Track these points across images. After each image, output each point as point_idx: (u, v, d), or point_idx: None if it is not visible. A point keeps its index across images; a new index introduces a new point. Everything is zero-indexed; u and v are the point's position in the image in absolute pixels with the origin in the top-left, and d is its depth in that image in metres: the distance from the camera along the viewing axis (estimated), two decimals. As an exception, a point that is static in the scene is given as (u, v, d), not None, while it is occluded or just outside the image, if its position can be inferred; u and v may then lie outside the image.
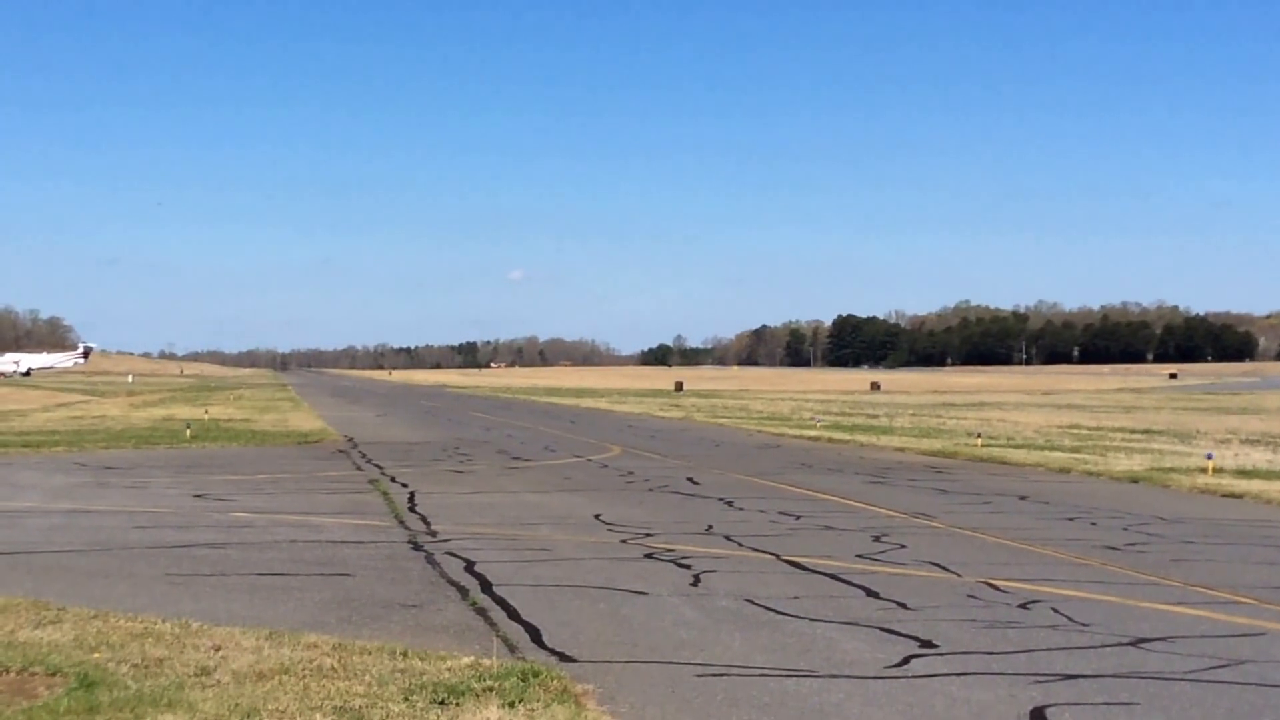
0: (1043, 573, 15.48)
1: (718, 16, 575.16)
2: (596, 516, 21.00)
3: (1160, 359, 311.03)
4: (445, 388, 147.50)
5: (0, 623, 11.38)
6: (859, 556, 16.68)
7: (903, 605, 13.22)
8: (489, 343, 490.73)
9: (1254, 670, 10.59)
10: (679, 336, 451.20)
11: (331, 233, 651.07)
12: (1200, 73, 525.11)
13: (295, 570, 15.20)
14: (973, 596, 13.83)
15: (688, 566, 15.68)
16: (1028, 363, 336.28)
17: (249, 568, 15.36)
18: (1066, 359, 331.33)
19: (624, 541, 18.03)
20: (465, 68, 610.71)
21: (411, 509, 21.89)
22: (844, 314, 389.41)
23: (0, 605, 12.15)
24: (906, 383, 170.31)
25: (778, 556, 16.60)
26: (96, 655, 10.17)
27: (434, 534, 18.60)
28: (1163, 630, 12.09)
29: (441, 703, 8.91)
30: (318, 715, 8.58)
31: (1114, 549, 17.77)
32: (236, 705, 8.77)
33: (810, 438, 45.90)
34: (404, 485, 26.20)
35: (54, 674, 9.60)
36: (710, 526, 19.83)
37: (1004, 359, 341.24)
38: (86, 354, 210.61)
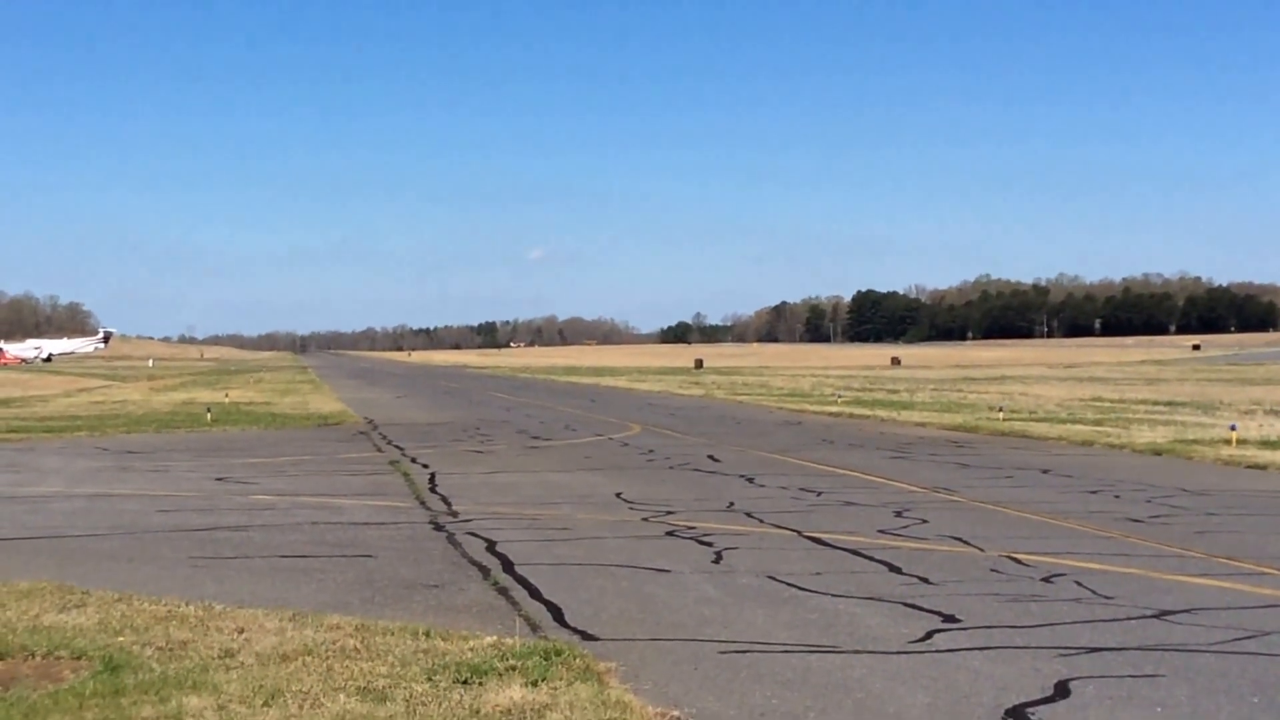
0: (1066, 546, 15.43)
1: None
2: (617, 495, 21.00)
3: (1183, 330, 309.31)
4: (465, 368, 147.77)
5: (25, 607, 11.44)
6: (881, 532, 16.65)
7: (925, 580, 13.19)
8: (508, 323, 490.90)
9: (1279, 642, 10.53)
10: (698, 314, 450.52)
11: (350, 214, 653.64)
12: (1220, 42, 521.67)
13: (317, 552, 15.24)
14: (995, 570, 13.78)
15: (709, 544, 15.67)
16: (1049, 336, 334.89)
17: (271, 550, 15.41)
18: (1088, 331, 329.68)
19: (645, 520, 18.03)
20: (483, 47, 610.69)
21: (432, 489, 21.92)
22: (864, 289, 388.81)
23: (25, 589, 12.22)
24: (927, 357, 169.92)
25: (799, 533, 16.58)
26: (121, 639, 10.21)
27: (455, 514, 18.63)
28: (1187, 602, 12.03)
29: (464, 682, 8.92)
30: (341, 696, 8.60)
31: (1137, 521, 17.70)
32: (260, 687, 8.79)
33: (831, 414, 45.83)
34: (424, 466, 26.25)
35: (79, 657, 9.64)
36: (731, 504, 19.82)
37: (1025, 332, 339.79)
38: (107, 339, 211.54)
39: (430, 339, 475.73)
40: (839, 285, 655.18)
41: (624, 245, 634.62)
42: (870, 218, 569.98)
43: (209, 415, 42.72)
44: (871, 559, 14.52)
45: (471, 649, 9.84)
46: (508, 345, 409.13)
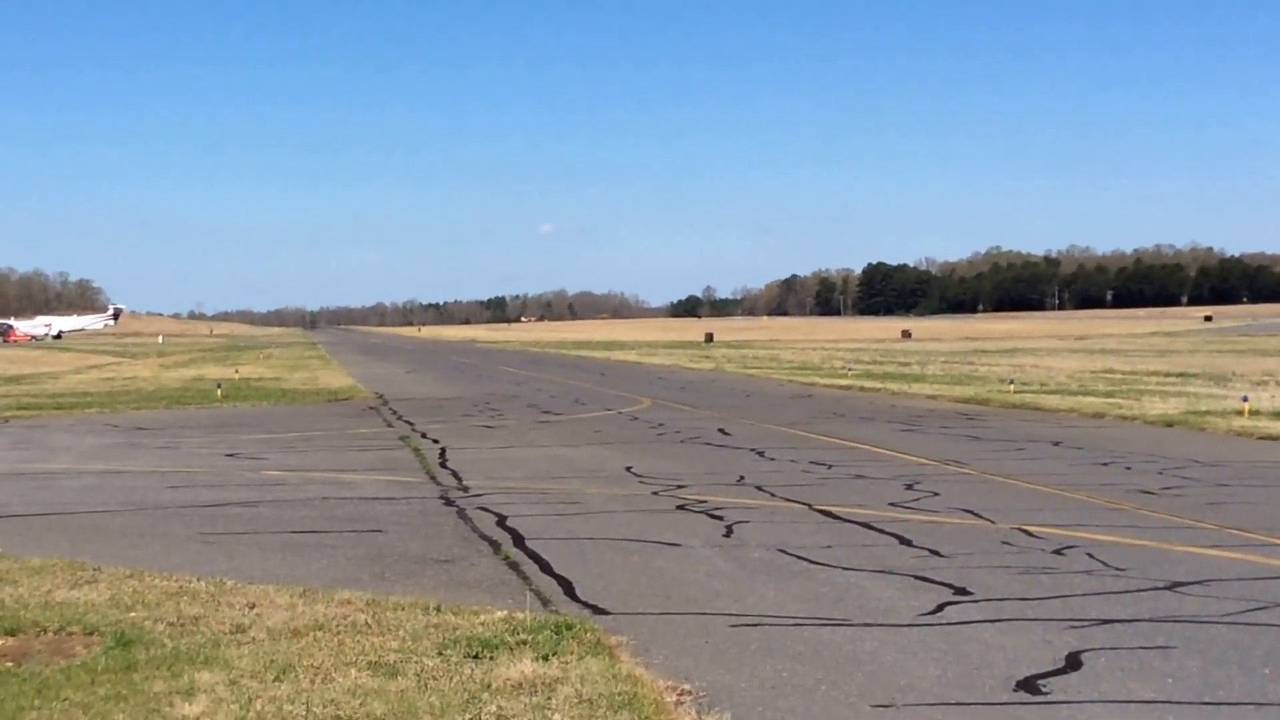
0: (1077, 518, 15.39)
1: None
2: (628, 469, 20.99)
3: (1195, 301, 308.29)
4: (475, 343, 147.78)
5: (37, 583, 11.47)
6: (891, 505, 16.63)
7: (936, 553, 13.17)
8: (518, 297, 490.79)
9: (1292, 613, 10.49)
10: (708, 288, 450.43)
11: (360, 189, 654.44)
12: (1231, 9, 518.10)
13: (328, 527, 15.26)
14: (1007, 543, 13.76)
15: (720, 518, 15.66)
16: (1060, 308, 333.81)
17: (282, 526, 15.43)
18: (1099, 303, 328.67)
19: (656, 494, 18.02)
20: (492, 19, 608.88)
21: (443, 464, 21.94)
22: (874, 262, 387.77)
23: (37, 566, 12.25)
24: (938, 330, 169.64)
25: (810, 506, 16.57)
26: (133, 614, 10.24)
27: (465, 489, 18.64)
28: (1198, 574, 12.00)
29: (475, 657, 8.92)
30: (353, 670, 8.61)
31: (1149, 493, 17.65)
32: (272, 662, 8.81)
33: (841, 387, 45.76)
34: (435, 441, 26.25)
35: (91, 633, 9.66)
36: (742, 477, 19.80)
37: (1036, 304, 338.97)
38: (116, 315, 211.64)
39: (440, 314, 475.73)
40: (849, 258, 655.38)
41: (634, 219, 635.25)
42: (880, 190, 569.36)
43: (219, 391, 42.78)
44: (882, 532, 14.51)
45: (482, 623, 9.85)
46: (518, 320, 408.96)
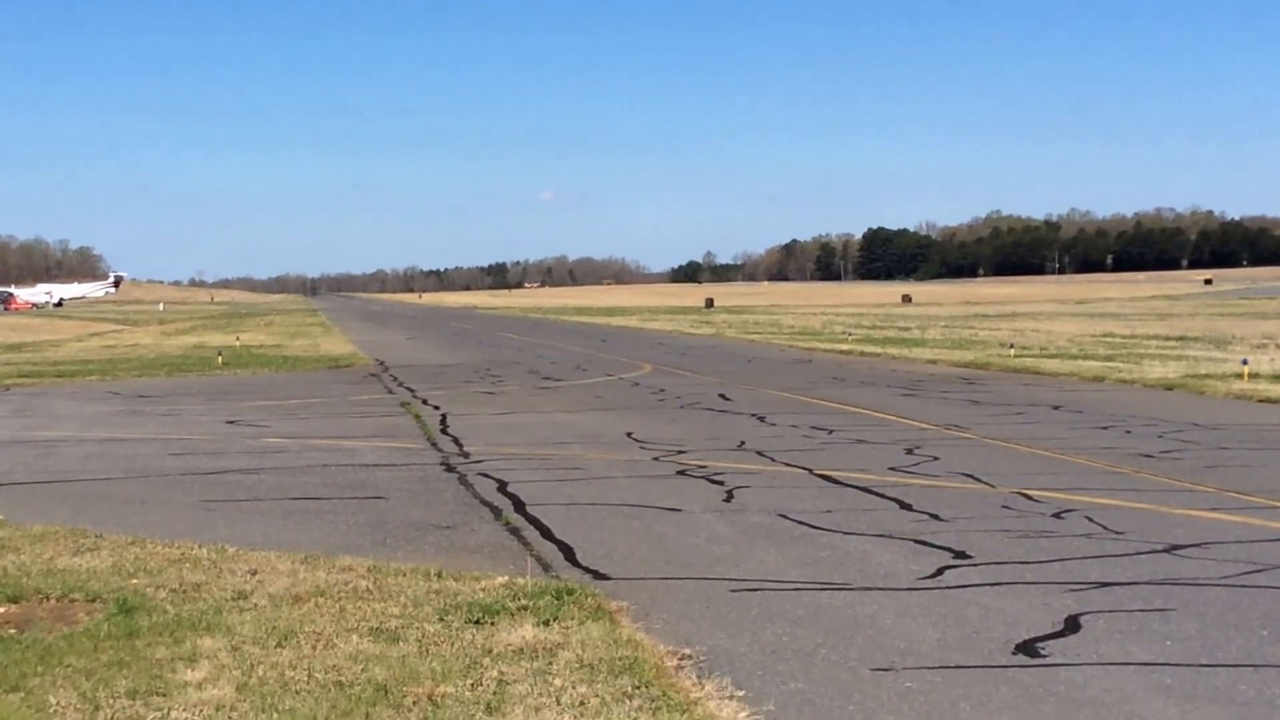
0: (1076, 482, 15.42)
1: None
2: (628, 435, 21.01)
3: (1195, 265, 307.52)
4: (475, 309, 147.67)
5: (39, 550, 11.50)
6: (891, 469, 16.65)
7: (936, 517, 13.20)
8: (518, 263, 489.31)
9: (1290, 575, 10.52)
10: (709, 253, 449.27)
11: (360, 156, 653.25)
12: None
13: (329, 494, 15.28)
14: (1006, 507, 13.79)
15: (720, 483, 15.69)
16: (1060, 272, 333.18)
17: (283, 492, 15.46)
18: (1100, 267, 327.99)
19: (656, 459, 18.04)
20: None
21: (444, 431, 21.95)
22: (874, 227, 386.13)
23: (39, 533, 12.28)
24: (938, 295, 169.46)
25: (810, 471, 16.59)
26: (135, 581, 10.27)
27: (466, 455, 18.66)
28: (1197, 536, 12.03)
29: (476, 622, 8.95)
30: (354, 636, 8.64)
31: (1148, 457, 17.68)
32: (274, 628, 8.84)
33: (842, 352, 45.75)
34: (436, 407, 26.27)
35: (93, 600, 9.70)
36: (742, 442, 19.82)
37: (1036, 269, 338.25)
38: (117, 283, 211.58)
39: (441, 280, 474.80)
40: (850, 223, 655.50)
41: (634, 185, 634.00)
42: (881, 155, 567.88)
43: (220, 358, 42.78)
44: (882, 496, 14.54)
45: (483, 589, 9.88)
46: (519, 286, 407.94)
